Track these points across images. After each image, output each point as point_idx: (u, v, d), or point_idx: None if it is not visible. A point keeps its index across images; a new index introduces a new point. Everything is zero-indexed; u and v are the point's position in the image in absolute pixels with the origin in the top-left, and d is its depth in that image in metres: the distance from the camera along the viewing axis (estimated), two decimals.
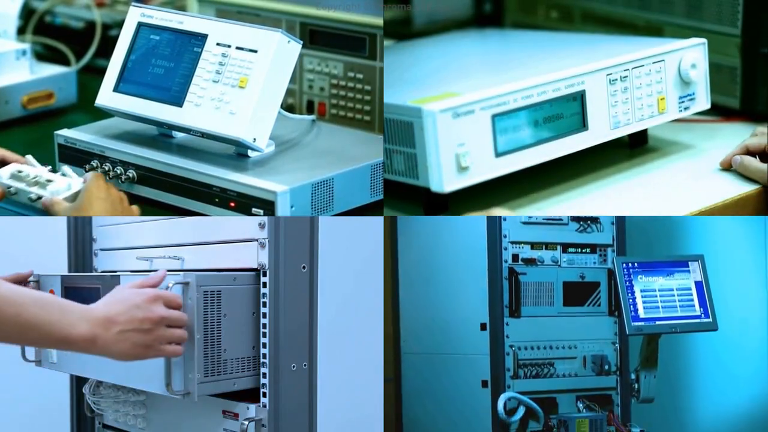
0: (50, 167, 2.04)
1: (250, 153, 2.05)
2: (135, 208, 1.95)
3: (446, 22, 3.05)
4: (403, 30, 2.97)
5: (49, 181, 1.97)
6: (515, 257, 2.21)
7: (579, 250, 2.28)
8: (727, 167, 2.15)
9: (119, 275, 1.82)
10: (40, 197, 1.94)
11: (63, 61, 2.75)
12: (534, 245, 2.23)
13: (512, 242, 2.20)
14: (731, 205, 2.05)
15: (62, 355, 1.95)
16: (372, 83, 2.30)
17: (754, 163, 2.12)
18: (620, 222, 2.30)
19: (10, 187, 1.99)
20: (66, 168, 2.04)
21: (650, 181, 2.13)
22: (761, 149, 2.14)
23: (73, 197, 1.92)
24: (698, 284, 2.20)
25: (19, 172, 2.00)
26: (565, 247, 2.26)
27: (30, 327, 1.49)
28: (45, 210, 1.93)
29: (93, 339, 1.53)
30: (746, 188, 2.09)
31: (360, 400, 1.83)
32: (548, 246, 2.24)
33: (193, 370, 1.67)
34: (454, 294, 2.29)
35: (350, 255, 1.83)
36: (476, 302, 2.20)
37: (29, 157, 2.06)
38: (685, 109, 2.19)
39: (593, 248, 2.29)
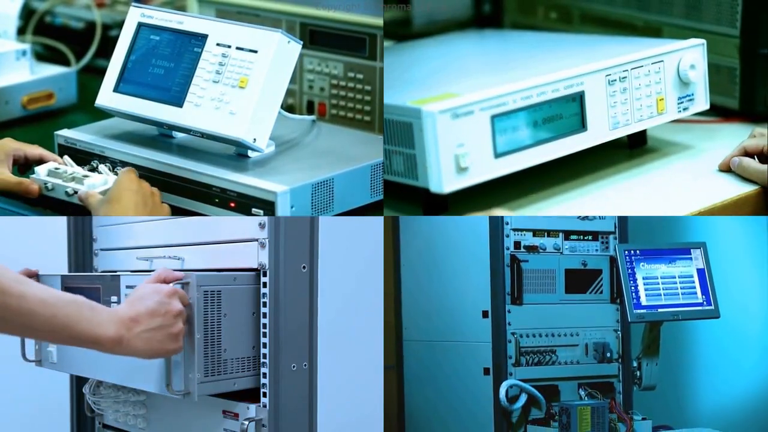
0: (86, 166, 2.10)
1: (250, 153, 2.05)
2: (166, 206, 1.98)
3: (445, 22, 3.05)
4: (402, 31, 2.96)
5: (86, 176, 2.05)
6: (517, 244, 2.21)
7: (581, 237, 2.28)
8: (726, 169, 2.15)
9: (119, 275, 1.82)
10: (76, 192, 2.01)
11: (63, 61, 2.76)
12: (536, 232, 2.23)
13: (514, 229, 2.20)
14: (730, 205, 2.05)
15: (62, 354, 1.96)
16: (372, 83, 2.30)
17: (753, 164, 2.12)
18: None
19: (47, 183, 2.06)
20: (102, 166, 2.09)
21: (649, 181, 2.13)
22: (759, 150, 2.14)
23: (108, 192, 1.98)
24: (700, 272, 2.20)
25: (56, 169, 2.08)
26: (567, 234, 2.26)
27: (62, 328, 1.52)
28: (81, 203, 2.00)
29: (119, 340, 1.56)
30: (745, 189, 2.10)
31: (360, 401, 1.83)
32: (550, 233, 2.24)
33: (193, 369, 1.68)
34: (456, 281, 2.29)
35: (350, 255, 1.83)
36: (478, 289, 2.20)
37: (66, 157, 2.12)
38: (684, 109, 2.19)
39: (595, 236, 2.29)
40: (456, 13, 3.08)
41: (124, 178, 1.95)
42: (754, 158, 2.14)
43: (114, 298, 1.81)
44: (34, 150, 2.13)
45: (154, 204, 1.95)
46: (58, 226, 2.19)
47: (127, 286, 1.79)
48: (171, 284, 1.66)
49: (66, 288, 1.93)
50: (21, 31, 2.77)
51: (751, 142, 2.15)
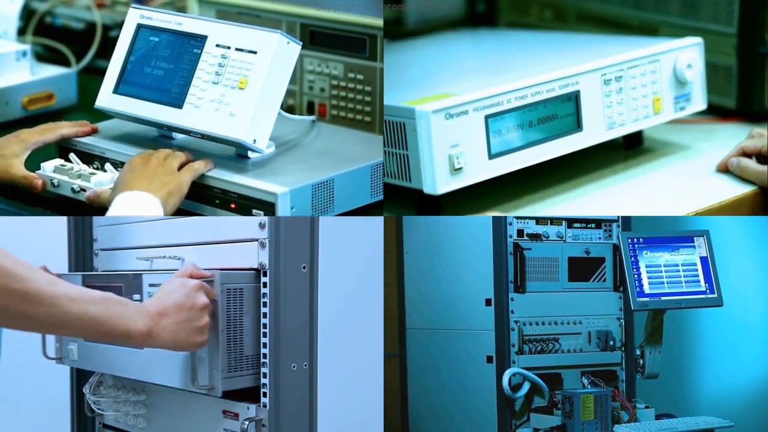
0: (94, 165, 2.11)
1: (250, 154, 2.06)
2: (183, 175, 1.95)
3: (438, 21, 3.05)
4: (395, 30, 2.96)
5: (93, 174, 2.05)
6: (520, 232, 2.21)
7: (584, 225, 2.28)
8: (724, 170, 2.15)
9: (141, 273, 1.83)
10: (82, 189, 2.02)
11: (63, 62, 2.76)
12: (539, 220, 2.23)
13: (517, 217, 2.19)
14: (728, 206, 2.05)
15: (84, 352, 1.96)
16: (372, 84, 2.31)
17: (752, 165, 2.12)
18: None
19: (53, 179, 2.07)
20: (108, 165, 2.09)
21: (646, 182, 2.13)
22: (758, 151, 2.14)
23: None
24: (703, 260, 2.20)
25: (62, 165, 2.09)
26: (570, 222, 2.27)
27: (94, 324, 1.55)
28: (90, 204, 2.00)
29: (149, 333, 1.60)
30: (743, 189, 2.10)
31: (360, 400, 1.83)
32: (553, 221, 2.25)
33: (218, 365, 1.70)
34: (459, 269, 2.29)
35: (350, 255, 1.83)
36: (481, 277, 2.21)
37: (73, 155, 2.12)
38: (681, 109, 2.20)
39: (598, 223, 2.30)
40: (449, 12, 3.08)
41: (128, 161, 1.97)
42: (752, 159, 2.14)
43: (136, 296, 1.82)
44: (54, 136, 2.13)
45: (166, 170, 1.93)
46: (58, 226, 2.20)
47: (150, 285, 1.80)
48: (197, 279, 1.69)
49: (88, 287, 1.93)
50: (21, 32, 2.78)
51: (750, 142, 2.15)
